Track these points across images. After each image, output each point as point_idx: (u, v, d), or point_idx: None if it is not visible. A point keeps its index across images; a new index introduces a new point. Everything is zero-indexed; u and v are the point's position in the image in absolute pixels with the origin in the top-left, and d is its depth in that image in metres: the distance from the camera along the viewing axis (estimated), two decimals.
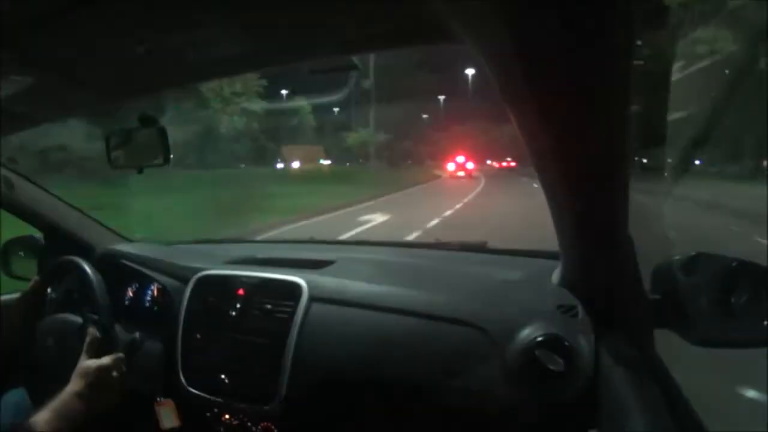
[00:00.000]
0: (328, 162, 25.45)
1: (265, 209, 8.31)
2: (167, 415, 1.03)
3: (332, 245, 1.54)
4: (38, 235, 1.32)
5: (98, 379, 0.86)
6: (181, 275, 1.14)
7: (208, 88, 15.89)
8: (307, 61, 0.78)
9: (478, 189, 15.10)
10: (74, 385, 0.84)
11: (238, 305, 1.02)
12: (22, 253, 1.34)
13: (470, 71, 31.23)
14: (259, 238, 3.77)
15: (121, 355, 0.92)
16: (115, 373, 0.89)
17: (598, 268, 0.74)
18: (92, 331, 0.92)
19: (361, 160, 27.67)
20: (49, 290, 1.17)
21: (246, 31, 0.64)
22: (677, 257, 0.70)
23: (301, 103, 23.09)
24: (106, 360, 0.89)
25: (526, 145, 0.59)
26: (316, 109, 24.26)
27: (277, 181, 15.20)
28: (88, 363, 0.87)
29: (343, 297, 0.95)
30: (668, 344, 0.72)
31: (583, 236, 0.71)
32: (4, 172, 1.16)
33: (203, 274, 1.10)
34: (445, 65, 28.72)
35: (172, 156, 0.98)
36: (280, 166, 22.79)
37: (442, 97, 33.48)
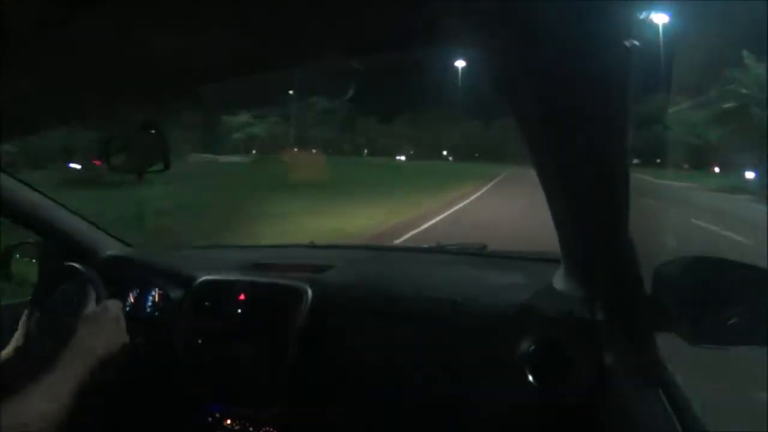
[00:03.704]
0: None
1: None
2: None
3: (332, 249, 1.55)
4: (38, 240, 1.32)
5: (103, 320, 0.89)
6: (183, 281, 1.13)
7: None
8: (308, 64, 0.79)
9: None
10: (81, 329, 0.86)
11: (240, 310, 1.02)
12: (22, 259, 1.33)
13: None
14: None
15: (118, 302, 0.95)
16: (117, 314, 0.92)
17: (599, 270, 0.74)
18: (91, 289, 0.96)
19: None
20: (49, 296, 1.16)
21: (246, 34, 0.64)
22: (678, 259, 0.70)
23: None
24: (108, 302, 0.93)
25: (526, 145, 0.59)
26: None
27: None
28: (92, 308, 0.92)
29: (344, 301, 0.95)
30: (669, 346, 0.73)
31: (583, 238, 0.71)
32: (4, 177, 1.15)
33: (204, 280, 1.09)
34: None
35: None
36: None
37: None
